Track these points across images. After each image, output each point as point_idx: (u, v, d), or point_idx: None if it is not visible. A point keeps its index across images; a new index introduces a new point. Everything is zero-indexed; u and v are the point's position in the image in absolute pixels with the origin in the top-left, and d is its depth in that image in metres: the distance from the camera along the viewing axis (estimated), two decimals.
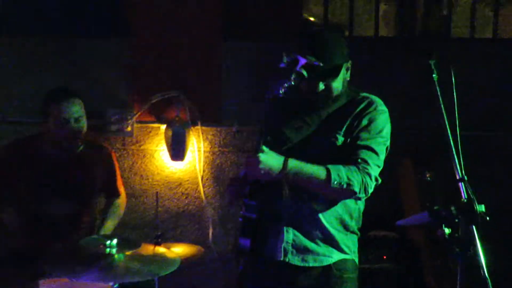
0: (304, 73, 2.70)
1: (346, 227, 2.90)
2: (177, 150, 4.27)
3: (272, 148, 2.74)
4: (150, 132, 4.40)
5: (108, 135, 4.34)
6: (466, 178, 2.58)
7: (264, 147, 2.66)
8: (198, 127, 4.35)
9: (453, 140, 2.60)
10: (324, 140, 2.83)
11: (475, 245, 2.51)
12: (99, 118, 4.24)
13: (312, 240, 2.87)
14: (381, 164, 2.85)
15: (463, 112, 2.59)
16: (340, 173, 2.70)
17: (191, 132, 4.31)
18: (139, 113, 4.34)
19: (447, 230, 2.63)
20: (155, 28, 4.33)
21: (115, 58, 4.37)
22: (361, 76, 2.96)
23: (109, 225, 3.81)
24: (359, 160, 2.78)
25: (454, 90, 2.65)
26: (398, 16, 4.87)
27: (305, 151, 2.81)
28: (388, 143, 2.88)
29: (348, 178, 2.71)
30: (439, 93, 2.67)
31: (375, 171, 2.81)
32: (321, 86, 2.77)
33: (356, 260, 2.99)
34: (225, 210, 4.42)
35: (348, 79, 2.88)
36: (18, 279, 3.30)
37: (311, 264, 2.87)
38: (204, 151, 4.39)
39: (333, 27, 4.89)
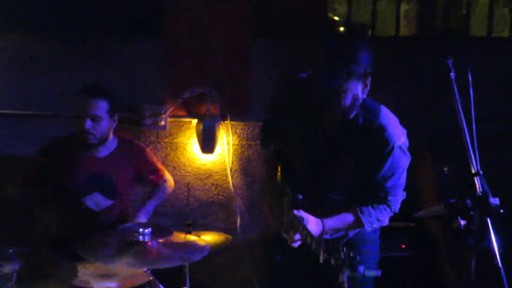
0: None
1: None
2: (207, 143, 4.27)
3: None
4: (182, 126, 4.41)
5: (143, 128, 4.35)
6: (481, 172, 2.58)
7: (303, 216, 2.67)
8: (228, 121, 4.35)
9: (469, 135, 2.60)
10: (348, 168, 2.81)
11: (489, 236, 2.51)
12: (135, 113, 4.27)
13: None
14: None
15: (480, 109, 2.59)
16: (371, 219, 2.80)
17: (220, 126, 4.33)
18: (172, 108, 4.34)
19: (462, 222, 2.63)
20: (187, 28, 4.32)
21: (150, 56, 4.37)
22: (383, 75, 2.93)
23: (150, 203, 3.79)
24: (390, 197, 2.82)
25: (471, 88, 2.64)
26: (419, 15, 4.81)
27: (330, 174, 2.83)
28: (409, 160, 2.84)
29: (378, 219, 2.82)
30: (456, 90, 2.67)
31: (401, 195, 2.87)
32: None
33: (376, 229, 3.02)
34: (252, 200, 4.41)
35: (364, 95, 2.70)
36: (59, 263, 3.33)
37: (334, 237, 2.92)
38: (233, 144, 4.39)
39: (357, 26, 4.86)
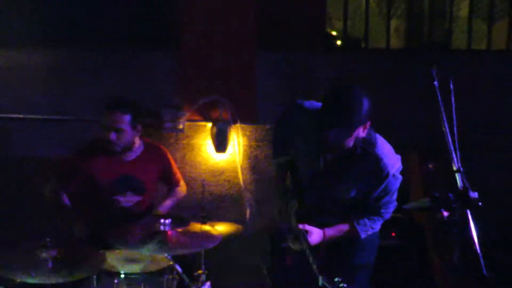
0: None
1: None
2: (220, 144, 4.29)
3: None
4: (198, 129, 4.42)
5: (163, 131, 4.35)
6: (461, 169, 2.59)
7: (307, 229, 2.73)
8: (238, 125, 4.36)
9: (451, 137, 2.61)
10: (345, 191, 2.82)
11: (469, 226, 2.53)
12: (156, 118, 4.29)
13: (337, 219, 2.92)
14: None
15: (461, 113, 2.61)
16: (366, 228, 2.83)
17: (232, 129, 4.33)
18: (189, 113, 4.35)
19: (446, 213, 2.64)
20: (201, 43, 4.33)
21: (169, 68, 4.39)
22: (376, 83, 2.94)
23: (167, 203, 3.82)
24: (382, 211, 2.86)
25: (452, 95, 2.66)
26: (407, 30, 4.82)
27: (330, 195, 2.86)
28: (399, 186, 2.87)
29: (372, 227, 2.85)
30: (439, 97, 2.68)
31: (393, 209, 2.89)
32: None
33: None
34: (260, 194, 4.42)
35: (364, 135, 2.68)
36: (90, 252, 3.35)
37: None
38: (243, 145, 4.40)
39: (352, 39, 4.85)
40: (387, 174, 2.76)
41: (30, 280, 2.72)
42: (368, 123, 2.66)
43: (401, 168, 2.82)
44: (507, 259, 3.93)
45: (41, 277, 2.73)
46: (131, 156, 3.66)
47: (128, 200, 3.65)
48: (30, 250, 2.85)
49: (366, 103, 2.60)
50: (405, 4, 4.73)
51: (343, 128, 2.57)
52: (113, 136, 3.48)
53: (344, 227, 2.86)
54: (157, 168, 3.76)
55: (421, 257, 3.92)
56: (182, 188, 3.95)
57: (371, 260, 3.03)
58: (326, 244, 2.81)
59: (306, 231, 2.72)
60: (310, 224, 2.82)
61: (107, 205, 3.63)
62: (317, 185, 2.86)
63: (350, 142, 2.66)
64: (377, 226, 2.89)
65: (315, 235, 2.77)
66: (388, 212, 2.88)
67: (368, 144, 2.73)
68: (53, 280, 2.76)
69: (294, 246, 2.77)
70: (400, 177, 2.83)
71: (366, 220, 2.84)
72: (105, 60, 4.42)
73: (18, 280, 2.79)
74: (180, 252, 3.07)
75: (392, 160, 2.77)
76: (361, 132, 2.66)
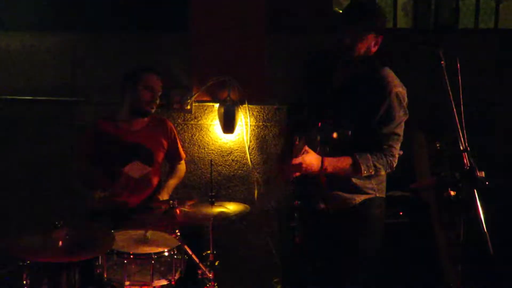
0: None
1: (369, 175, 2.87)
2: (228, 125, 4.26)
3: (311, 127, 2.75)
4: (206, 109, 4.40)
5: (172, 112, 4.35)
6: (468, 148, 2.55)
7: (307, 148, 2.66)
8: (246, 105, 4.32)
9: (458, 116, 2.57)
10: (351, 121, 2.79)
11: (475, 205, 2.49)
12: (165, 98, 4.23)
13: (339, 189, 2.88)
14: (402, 139, 2.84)
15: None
16: (368, 163, 2.74)
17: (239, 110, 4.30)
18: (197, 94, 4.33)
19: (452, 193, 2.61)
20: (210, 24, 4.29)
21: (178, 49, 4.37)
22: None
23: (171, 183, 3.89)
24: (385, 146, 2.78)
25: (459, 75, 2.61)
26: (414, 9, 4.74)
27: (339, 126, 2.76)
28: (406, 116, 2.84)
29: (375, 165, 2.75)
30: (446, 77, 2.64)
31: (398, 149, 2.81)
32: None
33: (382, 195, 2.98)
34: (268, 174, 4.40)
35: (374, 50, 2.81)
36: (100, 231, 3.36)
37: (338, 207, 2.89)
38: (251, 125, 4.37)
39: None
40: (390, 91, 2.77)
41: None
42: (381, 38, 2.79)
43: (406, 99, 2.83)
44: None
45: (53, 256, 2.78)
46: (138, 125, 3.76)
47: (137, 169, 3.70)
48: (42, 231, 2.88)
49: (381, 16, 2.84)
50: None
51: (356, 26, 2.71)
52: (149, 96, 3.66)
53: (345, 159, 2.77)
54: (164, 139, 3.84)
55: (428, 235, 3.88)
56: (182, 167, 4.05)
57: (375, 245, 2.97)
58: (325, 174, 2.75)
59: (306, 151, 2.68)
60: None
61: (119, 177, 3.67)
62: (323, 117, 2.81)
63: (362, 49, 2.75)
64: (380, 166, 2.78)
65: (313, 157, 2.71)
66: (391, 152, 2.79)
67: (374, 68, 2.82)
68: (64, 259, 2.81)
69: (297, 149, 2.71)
70: (405, 109, 2.82)
71: (368, 155, 2.76)
72: (115, 43, 4.42)
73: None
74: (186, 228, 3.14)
75: (396, 82, 2.81)
76: (372, 46, 2.77)
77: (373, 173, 2.77)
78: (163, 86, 3.76)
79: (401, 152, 2.86)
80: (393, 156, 2.79)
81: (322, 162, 2.70)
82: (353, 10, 2.82)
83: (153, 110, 3.72)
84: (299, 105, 3.10)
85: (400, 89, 2.80)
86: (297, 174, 2.74)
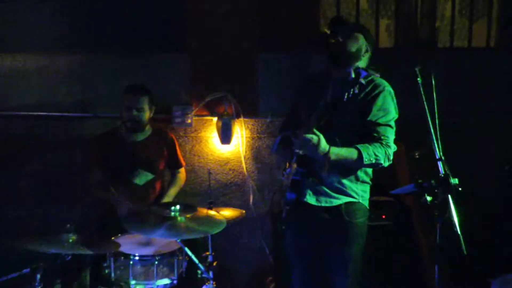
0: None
1: (357, 178, 2.88)
2: (225, 136, 4.29)
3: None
4: (205, 123, 4.42)
5: (173, 125, 4.36)
6: (443, 157, 2.61)
7: (317, 131, 2.64)
8: (241, 119, 4.35)
9: (433, 128, 2.63)
10: (350, 119, 2.81)
11: (450, 209, 2.55)
12: (167, 113, 4.32)
13: (327, 186, 2.86)
14: (395, 135, 2.86)
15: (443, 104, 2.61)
16: (369, 152, 2.70)
17: (236, 123, 4.33)
18: (196, 109, 4.35)
19: (429, 198, 2.66)
20: (207, 44, 4.33)
21: (178, 68, 4.39)
22: None
23: (172, 192, 3.93)
24: (382, 137, 2.77)
25: (434, 90, 2.68)
26: (397, 29, 4.80)
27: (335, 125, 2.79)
28: (397, 116, 2.87)
29: (375, 154, 2.71)
30: (422, 92, 2.70)
31: (393, 142, 2.82)
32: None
33: (365, 203, 2.94)
34: (262, 181, 4.41)
35: (364, 64, 2.86)
36: (107, 234, 3.42)
37: (323, 204, 2.86)
38: (246, 137, 4.39)
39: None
40: (384, 88, 2.81)
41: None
42: (369, 54, 2.88)
43: (394, 98, 2.87)
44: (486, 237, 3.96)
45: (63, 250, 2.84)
46: (141, 137, 3.81)
47: (140, 177, 3.74)
48: (55, 234, 2.93)
49: (367, 32, 2.88)
50: (395, 3, 4.66)
51: (346, 26, 2.73)
52: (128, 115, 3.70)
53: (348, 148, 2.71)
54: (164, 149, 3.90)
55: (409, 236, 3.90)
56: (182, 175, 4.09)
57: (360, 251, 2.96)
58: (329, 161, 2.67)
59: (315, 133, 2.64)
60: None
61: (124, 185, 3.73)
62: (321, 121, 2.79)
63: (352, 47, 2.77)
64: (379, 155, 2.72)
65: (321, 142, 2.63)
66: (388, 142, 2.77)
67: (369, 79, 2.83)
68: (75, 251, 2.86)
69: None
70: (397, 108, 2.85)
71: (367, 145, 2.72)
72: (121, 63, 4.43)
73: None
74: (188, 236, 3.11)
75: (387, 84, 2.85)
76: (363, 52, 2.84)
77: (373, 162, 2.72)
78: (159, 102, 3.84)
79: (395, 147, 2.86)
80: (389, 147, 2.78)
81: (329, 148, 2.66)
82: (341, 18, 2.90)
83: (142, 125, 3.77)
84: (292, 118, 3.12)
85: (391, 89, 2.86)
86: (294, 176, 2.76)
